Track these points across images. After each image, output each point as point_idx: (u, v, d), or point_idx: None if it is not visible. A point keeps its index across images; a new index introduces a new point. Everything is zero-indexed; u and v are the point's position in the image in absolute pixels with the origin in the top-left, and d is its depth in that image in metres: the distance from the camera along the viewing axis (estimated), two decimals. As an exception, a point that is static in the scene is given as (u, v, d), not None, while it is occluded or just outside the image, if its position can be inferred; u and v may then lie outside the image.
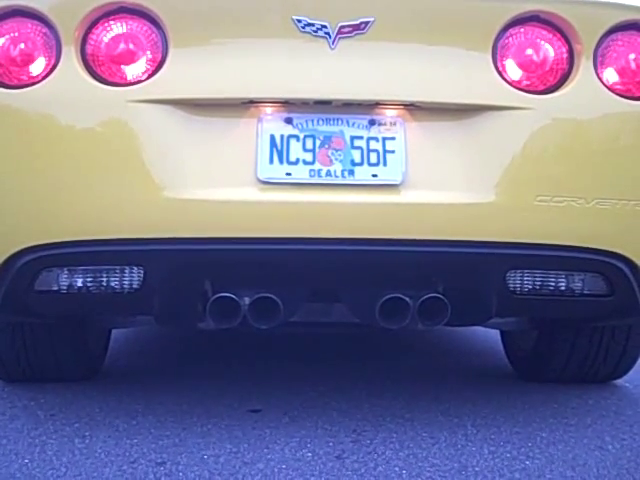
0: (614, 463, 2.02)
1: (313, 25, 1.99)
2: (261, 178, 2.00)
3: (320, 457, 2.04)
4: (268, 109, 2.05)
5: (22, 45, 2.02)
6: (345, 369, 3.20)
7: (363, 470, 1.95)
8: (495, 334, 3.33)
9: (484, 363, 3.35)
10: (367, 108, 2.06)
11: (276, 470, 1.94)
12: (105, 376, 3.01)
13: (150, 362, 3.32)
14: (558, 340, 2.74)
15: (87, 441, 2.17)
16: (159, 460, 2.01)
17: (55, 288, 2.08)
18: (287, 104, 2.05)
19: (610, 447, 2.16)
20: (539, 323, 2.73)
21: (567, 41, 2.07)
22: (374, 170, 2.01)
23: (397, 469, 1.95)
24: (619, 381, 2.99)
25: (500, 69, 2.06)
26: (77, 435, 2.23)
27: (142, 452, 2.07)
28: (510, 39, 2.07)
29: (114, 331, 3.19)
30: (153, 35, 2.05)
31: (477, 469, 1.96)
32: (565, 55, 2.08)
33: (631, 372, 3.14)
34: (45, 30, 2.02)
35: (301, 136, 2.03)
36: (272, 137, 2.03)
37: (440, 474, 1.92)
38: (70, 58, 2.01)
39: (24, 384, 2.82)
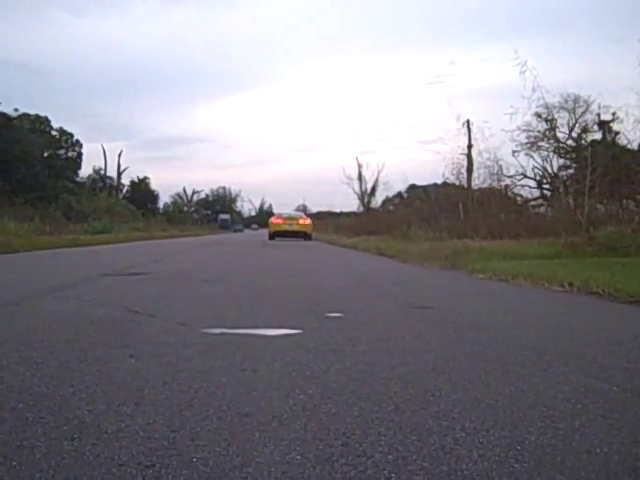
0: (602, 467, 2.03)
1: None
2: None
3: (309, 460, 2.05)
4: None
5: None
6: (334, 372, 3.20)
7: (352, 473, 1.95)
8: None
9: (472, 367, 3.36)
10: None
11: (265, 473, 1.94)
12: (94, 380, 3.00)
13: (138, 365, 3.31)
14: None
15: (76, 444, 2.16)
16: (148, 463, 2.00)
17: None
18: None
19: (598, 450, 2.17)
20: None
21: None
22: None
23: (386, 472, 1.96)
24: (606, 385, 3.02)
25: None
26: (66, 438, 2.22)
27: (131, 455, 2.07)
28: None
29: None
30: None
31: (466, 472, 1.97)
32: None
33: (619, 376, 3.17)
34: None
35: None
36: None
37: (429, 477, 1.93)
38: None
39: (12, 387, 2.81)
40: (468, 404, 2.69)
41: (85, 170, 61.44)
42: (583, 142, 29.46)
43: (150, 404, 2.62)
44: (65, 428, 2.32)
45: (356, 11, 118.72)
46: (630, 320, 5.51)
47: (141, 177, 71.23)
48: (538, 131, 30.80)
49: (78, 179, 58.41)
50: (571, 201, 21.23)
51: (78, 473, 1.92)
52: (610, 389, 2.97)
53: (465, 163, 32.18)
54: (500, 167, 30.46)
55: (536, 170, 31.44)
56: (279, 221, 30.87)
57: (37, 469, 1.95)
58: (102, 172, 63.42)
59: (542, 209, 28.32)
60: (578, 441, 2.27)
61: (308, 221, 31.58)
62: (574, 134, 30.70)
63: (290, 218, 31.29)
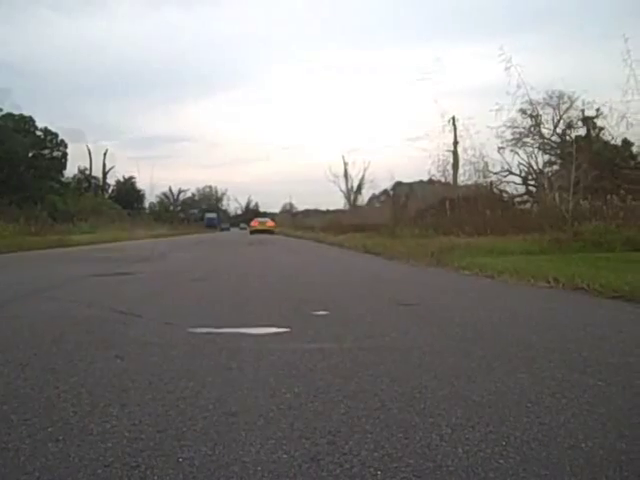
0: (587, 462, 2.04)
1: None
2: None
3: (296, 459, 2.05)
4: None
5: None
6: (320, 371, 3.20)
7: (339, 471, 1.95)
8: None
9: (458, 363, 3.37)
10: None
11: (251, 472, 1.94)
12: (79, 381, 2.98)
13: (124, 365, 3.30)
14: None
15: (61, 445, 2.15)
16: (133, 464, 2.00)
17: None
18: None
19: (583, 445, 2.18)
20: None
21: None
22: None
23: (372, 470, 1.96)
24: (591, 380, 3.03)
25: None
26: (50, 439, 2.21)
27: (117, 456, 2.06)
28: None
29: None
30: None
31: (452, 469, 1.97)
32: None
33: (604, 371, 3.18)
34: None
35: None
36: None
37: (415, 474, 1.94)
38: None
39: (-3, 389, 2.80)
40: (454, 400, 2.70)
41: (70, 170, 60.99)
42: (568, 138, 29.59)
43: (136, 405, 2.61)
44: (50, 430, 2.31)
45: (342, 8, 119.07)
46: (614, 315, 5.54)
47: (127, 177, 70.92)
48: (523, 127, 30.91)
49: (63, 179, 57.96)
50: (556, 197, 21.32)
51: (63, 474, 1.91)
52: (595, 384, 2.99)
53: (451, 160, 32.25)
54: (486, 164, 30.54)
55: (521, 166, 31.57)
56: (255, 224, 52.55)
57: (22, 471, 1.94)
58: (87, 172, 63.02)
59: (527, 205, 28.42)
60: (563, 436, 2.28)
61: (272, 223, 53.53)
62: (559, 130, 30.83)
63: (262, 222, 53.58)
